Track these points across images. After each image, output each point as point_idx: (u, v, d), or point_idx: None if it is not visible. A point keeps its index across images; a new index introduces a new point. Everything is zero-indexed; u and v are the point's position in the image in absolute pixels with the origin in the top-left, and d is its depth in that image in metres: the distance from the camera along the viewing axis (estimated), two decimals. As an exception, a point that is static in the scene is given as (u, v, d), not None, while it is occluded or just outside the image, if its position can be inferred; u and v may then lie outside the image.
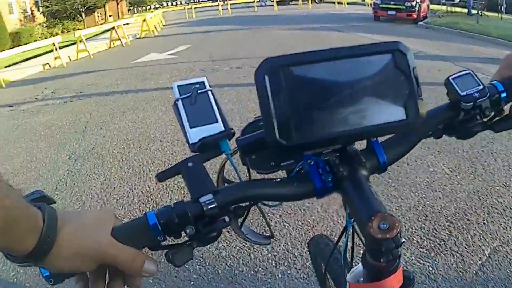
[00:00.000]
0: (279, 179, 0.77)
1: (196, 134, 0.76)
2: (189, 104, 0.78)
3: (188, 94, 0.78)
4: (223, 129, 0.77)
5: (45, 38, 23.44)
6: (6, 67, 16.42)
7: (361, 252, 0.73)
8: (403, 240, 0.63)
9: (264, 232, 0.99)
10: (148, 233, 0.69)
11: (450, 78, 0.88)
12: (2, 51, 16.45)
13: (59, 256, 0.63)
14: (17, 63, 17.08)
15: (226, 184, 0.87)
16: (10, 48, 17.52)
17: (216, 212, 0.70)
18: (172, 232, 0.70)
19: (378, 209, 0.65)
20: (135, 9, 58.76)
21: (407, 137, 0.83)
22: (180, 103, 0.78)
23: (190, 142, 0.76)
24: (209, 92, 0.80)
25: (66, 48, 17.76)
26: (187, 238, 0.71)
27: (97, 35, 21.69)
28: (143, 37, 20.30)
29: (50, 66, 15.84)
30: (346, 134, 0.66)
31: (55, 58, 15.53)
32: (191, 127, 0.76)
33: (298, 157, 0.77)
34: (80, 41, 16.22)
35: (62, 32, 30.76)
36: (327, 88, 0.65)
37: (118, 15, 41.99)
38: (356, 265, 0.82)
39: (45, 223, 0.61)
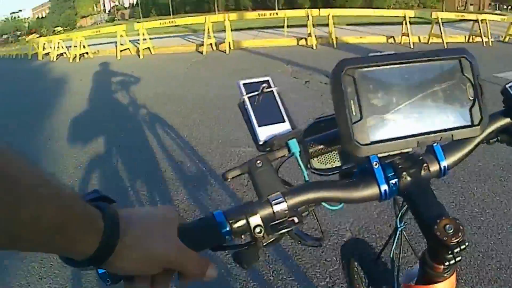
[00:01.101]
0: (345, 181, 0.76)
1: (265, 133, 0.75)
2: (255, 103, 0.77)
3: (255, 93, 0.77)
4: (290, 128, 0.76)
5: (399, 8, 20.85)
6: (347, 25, 14.49)
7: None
8: (467, 243, 0.65)
9: (314, 234, 0.87)
10: (214, 233, 0.67)
11: (506, 85, 0.88)
12: (350, 7, 14.82)
13: (122, 259, 0.59)
14: (358, 24, 14.92)
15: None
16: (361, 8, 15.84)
17: (286, 213, 0.69)
18: (239, 232, 0.68)
19: (443, 213, 0.67)
20: (497, 5, 51.17)
21: (466, 142, 0.83)
22: (247, 101, 0.76)
23: (259, 141, 0.75)
24: (275, 91, 0.79)
25: (418, 25, 14.48)
26: (249, 239, 0.69)
27: (454, 21, 17.66)
28: (506, 41, 15.29)
29: (394, 41, 12.87)
30: (415, 137, 0.68)
31: (402, 35, 12.62)
32: (259, 126, 0.75)
33: (359, 161, 0.77)
34: (436, 22, 12.65)
35: (418, 6, 27.49)
36: (399, 91, 0.67)
37: (479, 7, 36.81)
38: (404, 268, 0.96)
39: (106, 224, 0.57)
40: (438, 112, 0.68)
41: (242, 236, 0.68)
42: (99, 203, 0.59)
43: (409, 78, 0.67)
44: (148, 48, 13.36)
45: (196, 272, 0.66)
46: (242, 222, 0.66)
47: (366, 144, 0.65)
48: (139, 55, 12.90)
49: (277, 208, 0.68)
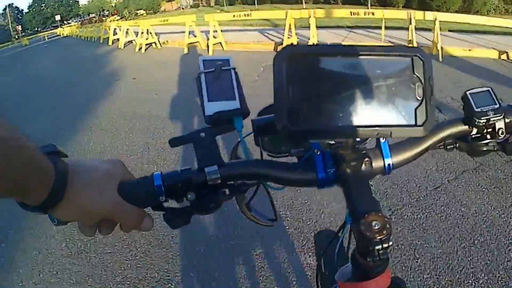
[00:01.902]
0: (285, 163, 0.77)
1: (213, 107, 0.77)
2: (211, 79, 0.79)
3: (212, 70, 0.79)
4: (238, 106, 0.78)
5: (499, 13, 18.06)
6: (450, 31, 12.22)
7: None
8: (391, 243, 0.64)
9: (269, 214, 0.92)
10: (151, 193, 0.71)
11: (467, 92, 0.86)
12: (448, 8, 12.35)
13: (65, 209, 0.65)
14: (462, 31, 12.50)
15: None
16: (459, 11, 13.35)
17: (218, 183, 0.72)
18: (174, 195, 0.72)
19: (373, 208, 0.67)
20: None
21: (416, 144, 0.82)
22: (203, 77, 0.79)
23: (206, 114, 0.77)
24: (232, 71, 0.81)
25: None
26: (188, 204, 0.73)
27: None
28: None
29: (507, 58, 10.00)
30: (351, 129, 0.67)
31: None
32: (208, 100, 0.77)
33: (309, 146, 0.77)
34: None
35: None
36: (342, 82, 0.66)
37: None
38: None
39: (56, 177, 0.62)
40: (380, 108, 0.66)
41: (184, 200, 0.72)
42: (52, 157, 0.63)
43: (355, 71, 0.66)
44: (220, 43, 11.85)
45: (132, 224, 0.72)
46: (176, 187, 0.71)
47: (300, 130, 0.65)
48: (208, 51, 11.43)
49: (210, 177, 0.71)
